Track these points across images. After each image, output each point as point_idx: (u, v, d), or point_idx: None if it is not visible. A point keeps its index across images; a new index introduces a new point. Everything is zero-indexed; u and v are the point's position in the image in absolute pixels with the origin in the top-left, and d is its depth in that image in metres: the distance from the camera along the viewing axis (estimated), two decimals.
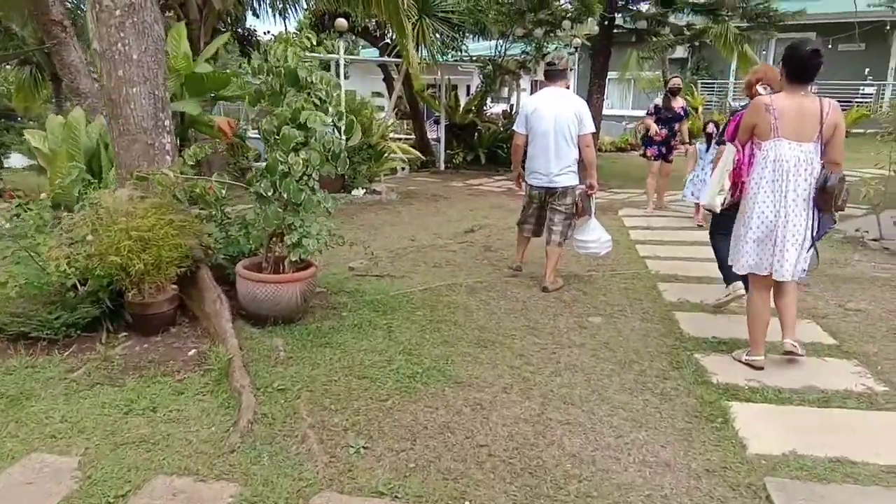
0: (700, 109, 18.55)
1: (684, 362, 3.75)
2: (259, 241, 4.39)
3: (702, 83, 22.41)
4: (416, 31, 10.45)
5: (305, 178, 4.06)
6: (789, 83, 3.51)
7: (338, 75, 10.60)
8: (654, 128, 8.73)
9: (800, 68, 3.45)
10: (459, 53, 13.92)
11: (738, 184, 3.70)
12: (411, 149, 12.81)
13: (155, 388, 3.44)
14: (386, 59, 13.75)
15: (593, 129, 5.12)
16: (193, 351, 3.94)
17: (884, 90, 19.54)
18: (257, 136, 12.17)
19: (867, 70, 19.35)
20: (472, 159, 14.64)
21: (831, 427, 3.04)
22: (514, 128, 5.31)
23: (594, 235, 5.20)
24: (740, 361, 3.74)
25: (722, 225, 4.85)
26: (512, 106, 16.82)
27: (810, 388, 3.44)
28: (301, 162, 3.88)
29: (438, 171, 14.33)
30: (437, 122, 15.62)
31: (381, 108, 16.12)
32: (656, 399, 3.32)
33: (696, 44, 21.47)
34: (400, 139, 18.82)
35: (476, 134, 15.12)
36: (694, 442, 2.90)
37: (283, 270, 4.21)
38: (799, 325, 4.42)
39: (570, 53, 18.06)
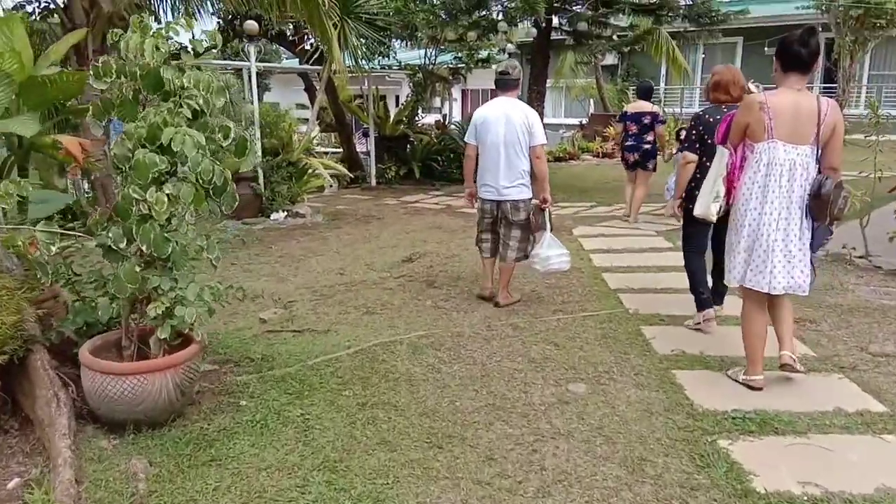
0: None
1: (711, 457, 2.77)
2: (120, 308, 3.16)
3: (633, 90, 22.13)
4: (337, 34, 9.31)
5: (177, 220, 2.88)
6: (784, 75, 3.25)
7: (252, 85, 9.34)
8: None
9: (793, 55, 3.19)
10: (388, 60, 12.85)
11: (732, 190, 3.48)
12: (338, 165, 11.55)
13: None
14: (306, 66, 12.53)
15: (544, 141, 4.91)
16: (16, 481, 2.69)
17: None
18: None
19: None
20: (406, 173, 13.59)
21: None
22: (465, 139, 5.10)
23: (550, 251, 4.88)
24: (737, 381, 3.46)
25: (695, 240, 4.42)
26: (445, 116, 15.87)
27: (887, 491, 2.52)
28: (165, 200, 2.70)
29: (369, 187, 13.21)
30: (366, 134, 14.49)
31: (306, 121, 14.90)
32: None
33: (626, 50, 21.28)
34: (327, 153, 17.63)
35: (408, 146, 14.08)
36: None
37: (151, 351, 3.01)
38: (829, 380, 3.56)
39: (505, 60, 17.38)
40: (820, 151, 3.21)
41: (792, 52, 3.17)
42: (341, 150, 14.80)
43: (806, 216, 3.22)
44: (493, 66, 16.05)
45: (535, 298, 5.16)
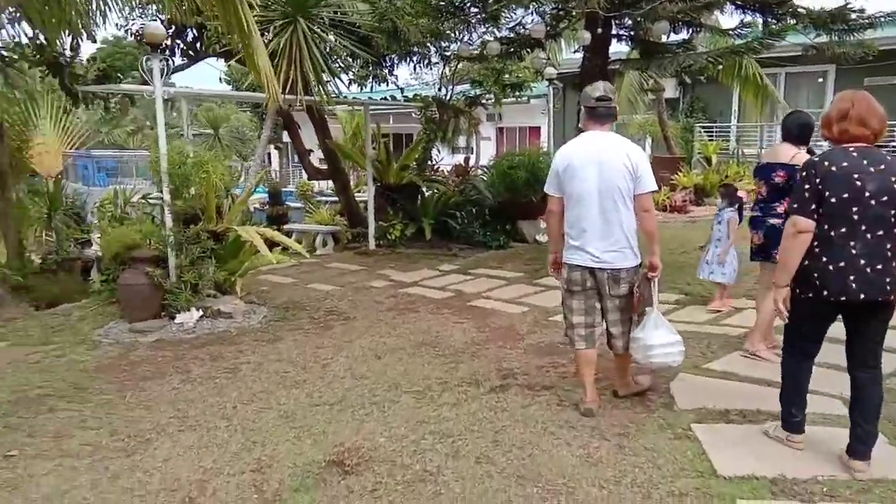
0: (714, 160, 14.51)
1: None
2: None
3: (701, 127, 18.53)
4: (286, 43, 6.11)
5: None
6: None
7: (158, 118, 6.17)
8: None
9: None
10: (386, 87, 9.68)
11: None
12: (286, 241, 7.60)
13: None
14: (242, 94, 9.40)
15: (655, 187, 3.74)
16: None
17: None
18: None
19: None
20: (416, 232, 10.30)
21: None
22: (545, 189, 3.95)
23: (656, 337, 3.68)
24: None
25: (799, 336, 3.21)
26: (467, 159, 12.59)
27: None
28: None
29: (367, 251, 9.99)
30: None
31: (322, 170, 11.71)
32: None
33: (689, 81, 17.73)
34: (326, 203, 14.53)
35: (418, 198, 10.83)
36: None
37: None
38: None
39: (539, 96, 13.93)
40: None
41: None
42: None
43: None
44: (531, 98, 12.84)
45: None
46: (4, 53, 8.20)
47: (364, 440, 3.50)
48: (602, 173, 3.66)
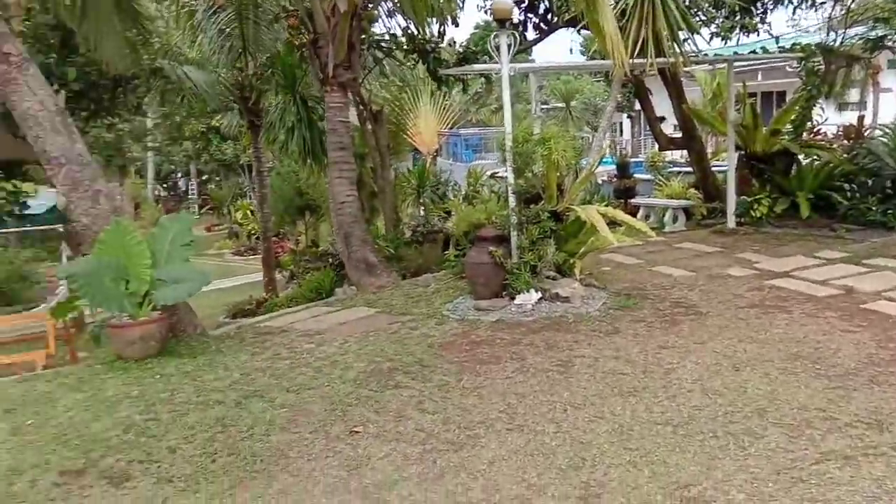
0: None
1: None
2: None
3: None
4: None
5: None
6: None
7: (504, 95, 6.10)
8: None
9: None
10: (756, 37, 8.22)
11: None
12: (630, 220, 6.57)
13: None
14: (576, 62, 8.75)
15: None
16: None
17: None
18: None
19: None
20: (787, 209, 8.74)
21: None
22: None
23: None
24: None
25: None
26: (862, 117, 10.17)
27: None
28: None
29: (725, 230, 8.82)
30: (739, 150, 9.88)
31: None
32: None
33: None
34: (679, 174, 13.37)
35: (792, 168, 9.13)
36: None
37: None
38: None
39: None
40: None
41: None
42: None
43: None
44: None
45: None
46: (383, 45, 9.14)
47: (715, 489, 2.80)
48: None
